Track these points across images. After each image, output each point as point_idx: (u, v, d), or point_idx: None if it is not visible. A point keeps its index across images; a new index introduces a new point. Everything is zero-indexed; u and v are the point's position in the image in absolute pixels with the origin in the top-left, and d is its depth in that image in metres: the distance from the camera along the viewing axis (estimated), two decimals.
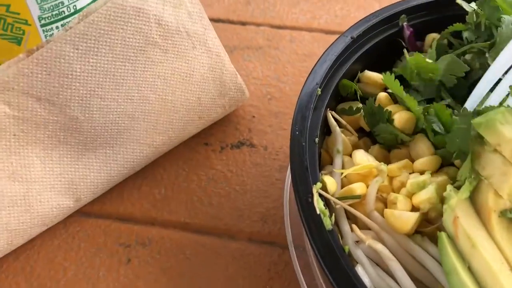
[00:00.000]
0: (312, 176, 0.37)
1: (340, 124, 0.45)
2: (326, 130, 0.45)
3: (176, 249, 0.47)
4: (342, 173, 0.40)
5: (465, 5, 0.46)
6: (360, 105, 0.45)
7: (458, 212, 0.34)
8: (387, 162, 0.43)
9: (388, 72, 0.42)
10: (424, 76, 0.43)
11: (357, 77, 0.48)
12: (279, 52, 0.65)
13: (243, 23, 0.70)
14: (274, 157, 0.54)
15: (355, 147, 0.44)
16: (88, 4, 0.41)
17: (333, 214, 0.38)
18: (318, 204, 0.36)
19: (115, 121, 0.44)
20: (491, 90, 0.39)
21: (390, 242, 0.37)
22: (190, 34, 0.44)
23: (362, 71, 0.48)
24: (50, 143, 0.40)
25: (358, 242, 0.38)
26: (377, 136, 0.43)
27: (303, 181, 0.37)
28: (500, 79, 0.40)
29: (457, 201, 0.35)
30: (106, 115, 0.43)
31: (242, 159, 0.54)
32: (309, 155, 0.39)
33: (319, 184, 0.37)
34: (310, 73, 0.43)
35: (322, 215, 0.35)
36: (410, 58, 0.43)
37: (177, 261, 0.46)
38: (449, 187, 0.36)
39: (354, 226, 0.37)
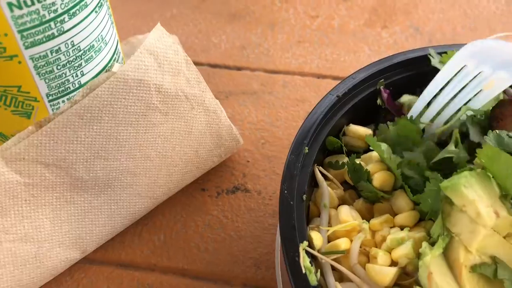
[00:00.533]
0: (299, 234, 0.40)
1: (327, 178, 0.48)
2: (314, 183, 0.48)
3: None
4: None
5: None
6: (346, 159, 0.48)
7: (432, 268, 0.38)
8: (371, 215, 0.46)
9: (371, 134, 0.45)
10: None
11: (342, 131, 0.51)
12: (273, 97, 0.69)
13: (239, 68, 0.73)
14: (267, 202, 0.57)
15: (341, 200, 0.48)
16: (91, 79, 0.44)
17: (319, 269, 0.41)
18: (304, 262, 0.39)
19: (118, 178, 0.47)
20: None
21: None
22: (189, 97, 0.48)
23: (347, 125, 0.51)
24: (58, 204, 0.43)
25: None
26: (360, 191, 0.46)
27: (291, 240, 0.40)
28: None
29: (431, 257, 0.38)
30: (110, 173, 0.46)
31: (237, 204, 0.57)
32: (296, 213, 0.42)
33: (305, 243, 0.40)
34: (298, 131, 0.47)
35: (308, 272, 0.39)
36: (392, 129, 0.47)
37: None
38: (424, 244, 0.39)
39: (336, 283, 0.40)
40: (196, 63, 0.73)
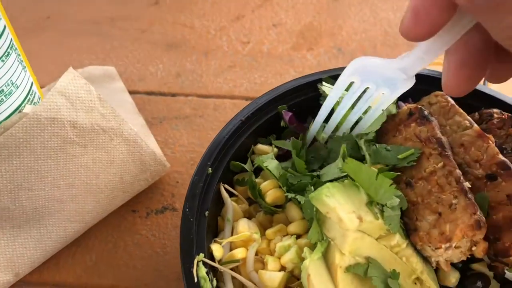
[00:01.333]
0: (197, 247, 0.46)
1: (233, 194, 0.53)
2: (223, 201, 0.53)
3: None
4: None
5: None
6: (253, 176, 0.54)
7: (310, 271, 0.42)
8: (271, 225, 0.51)
9: (263, 157, 0.51)
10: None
11: (251, 150, 0.57)
12: (204, 120, 0.74)
13: (173, 95, 0.79)
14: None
15: (247, 213, 0.53)
16: (4, 120, 0.49)
17: (215, 278, 0.46)
18: (200, 272, 0.44)
19: (44, 205, 0.52)
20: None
21: None
22: (106, 130, 0.53)
23: (255, 144, 0.57)
24: None
25: None
26: (260, 205, 0.51)
27: (188, 253, 0.45)
28: None
29: (309, 261, 0.43)
30: (35, 202, 0.51)
31: (164, 223, 0.62)
32: (198, 228, 0.47)
33: (201, 255, 0.45)
34: (203, 154, 0.52)
35: (203, 281, 0.44)
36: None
37: None
38: (305, 249, 0.44)
39: None
40: (133, 92, 0.78)
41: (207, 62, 0.83)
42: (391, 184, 0.43)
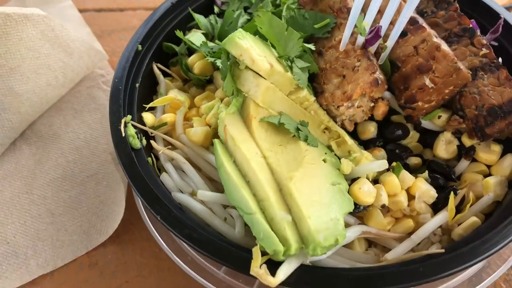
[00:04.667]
0: (126, 111, 0.47)
1: (168, 74, 0.55)
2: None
3: None
4: (163, 110, 0.51)
5: None
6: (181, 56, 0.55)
7: (226, 122, 0.43)
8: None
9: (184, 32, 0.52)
10: None
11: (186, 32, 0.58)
12: None
13: (122, 10, 0.80)
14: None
15: (181, 89, 0.55)
16: None
17: (143, 137, 0.47)
18: (129, 130, 0.46)
19: None
20: None
21: (190, 153, 0.47)
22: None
23: (190, 29, 0.58)
24: None
25: (173, 160, 0.48)
26: (191, 81, 0.53)
27: (116, 115, 0.47)
28: None
29: (225, 114, 0.44)
30: None
31: None
32: (128, 96, 0.49)
33: (129, 117, 0.46)
34: (134, 34, 0.54)
35: (131, 138, 0.45)
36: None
37: None
38: (221, 105, 0.45)
39: (153, 143, 0.47)
40: (83, 10, 0.79)
41: None
42: (299, 38, 0.45)
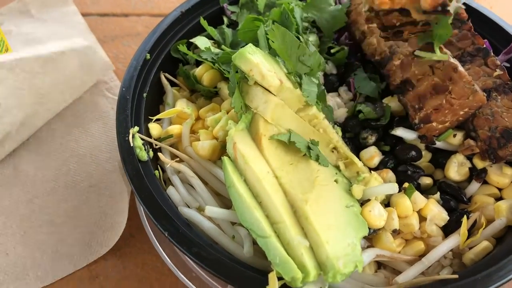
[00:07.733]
0: (133, 121, 0.46)
1: (175, 84, 0.54)
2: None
3: None
4: (170, 121, 0.50)
5: None
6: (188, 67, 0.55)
7: (236, 139, 0.42)
8: None
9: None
10: None
11: (194, 44, 0.57)
12: None
13: (126, 15, 0.78)
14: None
15: (189, 100, 0.54)
16: None
17: (151, 149, 0.46)
18: (136, 142, 0.45)
19: None
20: None
21: (197, 167, 0.46)
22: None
23: None
24: None
25: (180, 173, 0.47)
26: (199, 92, 0.52)
27: (123, 125, 0.45)
28: None
29: (235, 131, 0.42)
30: None
31: None
32: (135, 106, 0.48)
33: (136, 128, 0.45)
34: (142, 42, 0.53)
35: (138, 150, 0.44)
36: None
37: None
38: (230, 122, 0.44)
39: (161, 155, 0.46)
40: (86, 14, 0.78)
41: None
42: (310, 55, 0.44)
